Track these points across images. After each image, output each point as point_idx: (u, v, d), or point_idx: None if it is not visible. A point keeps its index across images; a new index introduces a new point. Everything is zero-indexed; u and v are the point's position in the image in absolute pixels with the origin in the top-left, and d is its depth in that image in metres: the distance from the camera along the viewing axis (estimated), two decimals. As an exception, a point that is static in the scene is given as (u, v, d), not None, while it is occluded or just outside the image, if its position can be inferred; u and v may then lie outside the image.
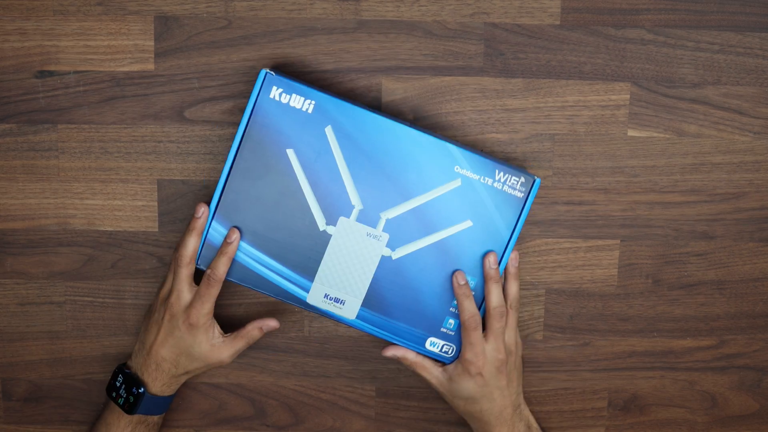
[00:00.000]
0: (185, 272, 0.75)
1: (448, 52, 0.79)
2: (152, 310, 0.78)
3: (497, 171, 0.75)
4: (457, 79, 0.80)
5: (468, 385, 0.76)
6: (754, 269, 0.83)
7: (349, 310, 0.77)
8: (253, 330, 0.79)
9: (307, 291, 0.77)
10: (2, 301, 0.83)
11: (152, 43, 0.79)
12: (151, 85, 0.80)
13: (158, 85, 0.80)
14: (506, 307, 0.77)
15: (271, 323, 0.79)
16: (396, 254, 0.76)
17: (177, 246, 0.77)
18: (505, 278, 0.78)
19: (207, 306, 0.75)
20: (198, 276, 0.78)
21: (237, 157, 0.74)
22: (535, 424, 0.82)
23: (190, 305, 0.75)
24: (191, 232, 0.75)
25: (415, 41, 0.79)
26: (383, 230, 0.75)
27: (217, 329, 0.78)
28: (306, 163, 0.74)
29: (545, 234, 0.82)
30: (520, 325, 0.84)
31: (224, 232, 0.75)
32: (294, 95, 0.73)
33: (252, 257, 0.76)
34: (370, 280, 0.76)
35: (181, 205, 0.82)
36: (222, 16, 0.79)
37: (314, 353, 0.84)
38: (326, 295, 0.77)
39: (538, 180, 0.75)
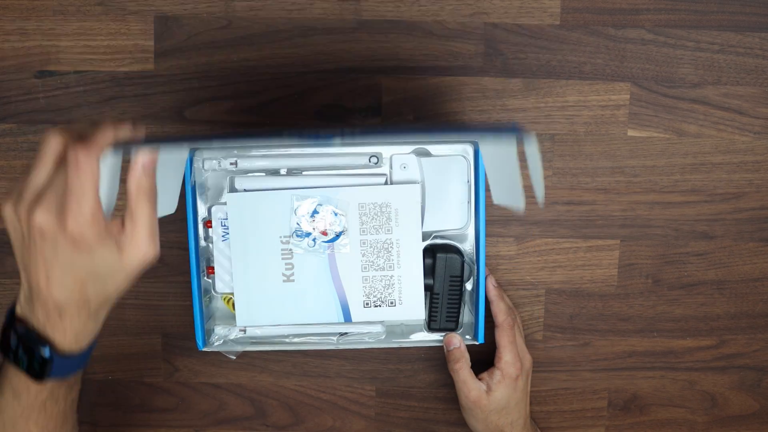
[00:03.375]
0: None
1: (448, 52, 0.79)
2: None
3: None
4: (457, 79, 0.80)
5: (506, 392, 0.76)
6: (754, 269, 0.83)
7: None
8: (136, 176, 0.54)
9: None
10: (2, 301, 0.83)
11: (152, 43, 0.79)
12: (151, 85, 0.80)
13: (158, 85, 0.80)
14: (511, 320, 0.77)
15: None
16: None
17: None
18: (489, 302, 0.78)
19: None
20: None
21: None
22: None
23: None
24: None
25: (415, 41, 0.79)
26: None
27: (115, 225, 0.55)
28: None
29: (545, 234, 0.82)
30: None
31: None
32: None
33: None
34: None
35: (181, 204, 0.81)
36: (222, 16, 0.79)
37: (314, 353, 0.84)
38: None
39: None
